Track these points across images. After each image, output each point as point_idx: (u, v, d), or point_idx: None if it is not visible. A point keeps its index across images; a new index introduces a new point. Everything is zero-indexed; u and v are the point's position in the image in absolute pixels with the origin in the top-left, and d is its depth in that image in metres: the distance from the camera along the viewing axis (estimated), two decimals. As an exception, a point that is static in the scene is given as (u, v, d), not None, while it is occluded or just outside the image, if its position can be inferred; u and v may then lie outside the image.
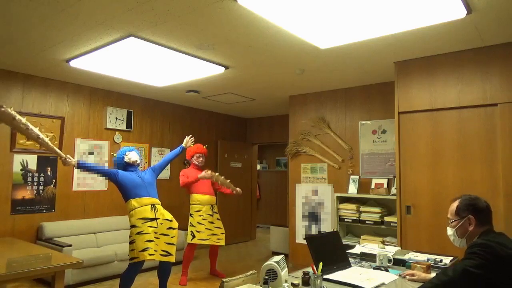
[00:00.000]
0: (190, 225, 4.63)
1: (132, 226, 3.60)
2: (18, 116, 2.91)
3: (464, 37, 3.36)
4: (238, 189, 4.83)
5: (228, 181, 4.77)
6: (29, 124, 2.99)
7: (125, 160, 3.78)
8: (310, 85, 5.19)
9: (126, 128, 5.69)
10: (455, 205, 1.97)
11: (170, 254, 3.69)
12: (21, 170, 4.60)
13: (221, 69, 4.33)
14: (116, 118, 5.58)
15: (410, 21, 2.99)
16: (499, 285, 1.69)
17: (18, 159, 4.57)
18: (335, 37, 3.33)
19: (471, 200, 1.93)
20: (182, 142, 4.32)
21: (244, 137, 7.97)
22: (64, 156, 3.35)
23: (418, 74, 3.92)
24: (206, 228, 4.65)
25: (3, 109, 2.80)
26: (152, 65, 4.22)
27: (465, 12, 2.80)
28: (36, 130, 3.03)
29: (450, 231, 1.99)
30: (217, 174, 4.65)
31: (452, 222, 1.96)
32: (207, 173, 4.52)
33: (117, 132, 5.61)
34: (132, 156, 3.79)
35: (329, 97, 5.41)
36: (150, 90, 5.53)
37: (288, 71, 4.50)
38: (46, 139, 3.13)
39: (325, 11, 2.82)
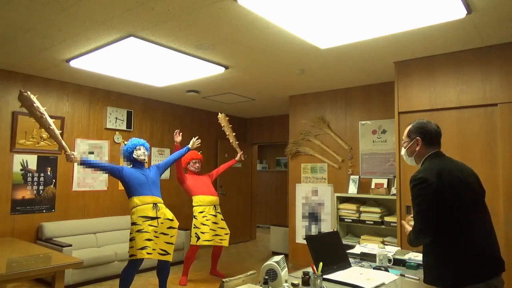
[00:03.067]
0: (194, 227, 4.61)
1: (133, 224, 3.61)
2: (37, 103, 3.15)
3: (464, 37, 3.36)
4: (241, 153, 5.13)
5: (237, 142, 5.05)
6: (45, 113, 3.20)
7: (133, 155, 3.77)
8: (310, 85, 5.19)
9: (126, 128, 5.69)
10: (408, 127, 2.15)
11: (168, 253, 3.70)
12: (21, 170, 4.60)
13: (221, 69, 4.33)
14: (116, 118, 5.59)
15: (410, 21, 2.99)
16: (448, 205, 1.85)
17: (18, 159, 4.58)
18: (335, 37, 3.33)
19: (420, 123, 2.10)
20: (183, 142, 4.33)
21: (244, 137, 7.97)
22: (69, 152, 3.35)
23: (418, 74, 3.92)
24: (210, 229, 4.64)
25: (25, 94, 3.06)
26: (152, 65, 4.22)
27: (465, 12, 2.80)
28: (50, 120, 3.23)
29: (402, 151, 2.18)
30: (227, 118, 4.99)
31: (404, 143, 2.16)
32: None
33: (117, 132, 5.61)
34: (141, 154, 3.77)
35: (329, 97, 5.41)
36: (150, 90, 5.52)
37: (288, 71, 4.50)
38: (57, 131, 3.27)
39: (325, 11, 2.82)
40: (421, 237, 1.90)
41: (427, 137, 2.05)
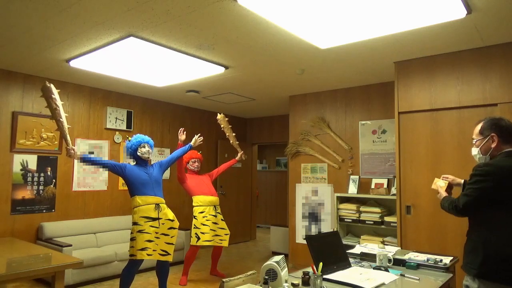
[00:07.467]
0: (194, 227, 4.61)
1: (134, 223, 3.60)
2: (55, 95, 3.26)
3: (464, 37, 3.36)
4: (242, 152, 5.12)
5: (237, 142, 5.03)
6: (60, 106, 3.29)
7: (137, 153, 3.76)
8: (310, 85, 5.19)
9: (126, 128, 5.69)
10: (479, 125, 2.08)
11: (169, 254, 3.70)
12: (21, 170, 4.60)
13: (221, 69, 4.33)
14: (116, 118, 5.59)
15: (410, 21, 2.99)
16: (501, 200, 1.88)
17: (18, 159, 4.57)
18: (335, 37, 3.33)
19: (493, 119, 2.04)
20: (185, 142, 4.33)
21: (244, 137, 7.97)
22: (71, 146, 3.34)
23: (418, 74, 3.92)
24: (210, 229, 4.64)
25: (48, 85, 3.19)
26: (152, 65, 4.22)
27: (465, 12, 2.80)
28: (62, 113, 3.31)
29: (474, 151, 2.09)
30: (227, 119, 4.94)
31: (476, 141, 2.08)
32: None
33: (117, 132, 5.61)
34: (146, 152, 3.76)
35: (329, 97, 5.41)
36: (150, 90, 5.53)
37: (288, 71, 4.50)
38: (65, 125, 3.32)
39: (325, 11, 2.82)
40: (453, 213, 2.02)
41: (504, 133, 1.98)
